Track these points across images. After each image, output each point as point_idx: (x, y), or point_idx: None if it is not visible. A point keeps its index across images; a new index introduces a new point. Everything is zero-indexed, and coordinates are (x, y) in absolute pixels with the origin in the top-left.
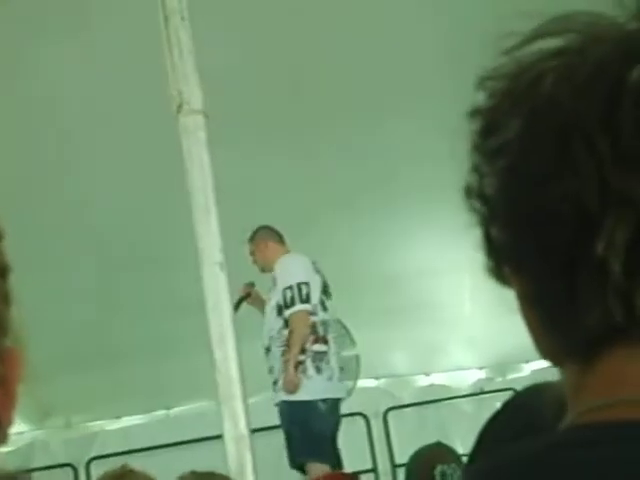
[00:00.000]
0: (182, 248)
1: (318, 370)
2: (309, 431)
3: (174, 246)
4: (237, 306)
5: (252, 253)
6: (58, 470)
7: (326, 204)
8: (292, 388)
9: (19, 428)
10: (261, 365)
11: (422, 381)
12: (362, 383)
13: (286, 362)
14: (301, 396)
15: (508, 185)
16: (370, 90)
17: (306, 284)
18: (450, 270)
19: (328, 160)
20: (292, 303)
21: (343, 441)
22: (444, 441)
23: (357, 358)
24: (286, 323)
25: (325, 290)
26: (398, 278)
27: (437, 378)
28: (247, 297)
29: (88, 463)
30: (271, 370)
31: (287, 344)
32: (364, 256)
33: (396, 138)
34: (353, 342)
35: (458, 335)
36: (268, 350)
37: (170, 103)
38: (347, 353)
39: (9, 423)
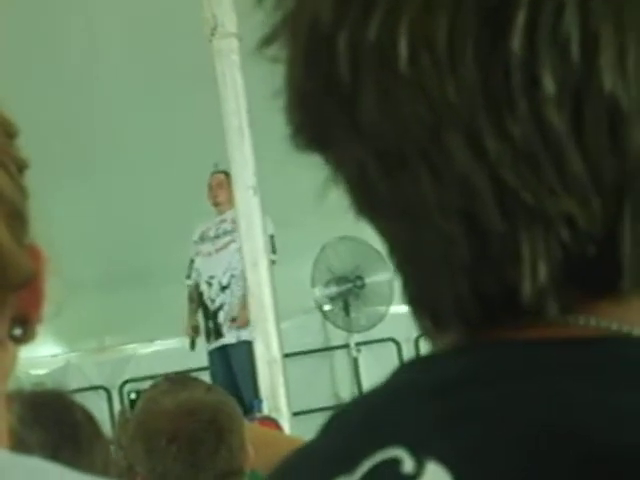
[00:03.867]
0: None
1: None
2: None
3: (208, 171)
4: (193, 346)
5: (221, 185)
6: (92, 392)
7: None
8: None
9: (53, 350)
10: (291, 291)
11: None
12: (394, 309)
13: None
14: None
15: None
16: None
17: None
18: None
19: None
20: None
21: (375, 366)
22: None
23: (390, 283)
24: None
25: None
26: None
27: None
28: (196, 335)
29: (122, 386)
30: (221, 307)
31: None
32: None
33: None
34: (387, 267)
35: None
36: (225, 288)
37: (204, 26)
38: (380, 278)
39: (38, 321)
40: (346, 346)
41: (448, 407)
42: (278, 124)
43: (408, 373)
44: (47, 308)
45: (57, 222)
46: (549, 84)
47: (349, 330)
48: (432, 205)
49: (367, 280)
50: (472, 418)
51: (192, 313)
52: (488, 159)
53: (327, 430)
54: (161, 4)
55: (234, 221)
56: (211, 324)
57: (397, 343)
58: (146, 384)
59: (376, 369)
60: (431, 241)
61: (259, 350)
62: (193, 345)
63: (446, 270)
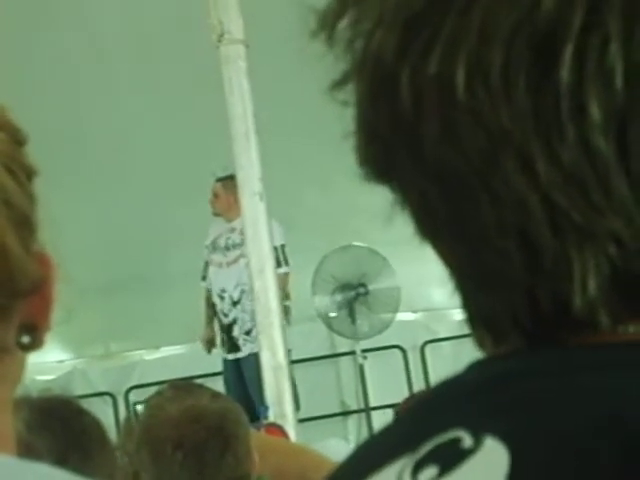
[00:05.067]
0: None
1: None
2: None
3: (214, 177)
4: (210, 350)
5: (216, 195)
6: (97, 398)
7: None
8: None
9: (59, 356)
10: (297, 297)
11: (460, 315)
12: (400, 316)
13: None
14: None
15: None
16: None
17: (284, 246)
18: None
19: None
20: (278, 264)
21: (381, 373)
22: None
23: (398, 290)
24: None
25: None
26: None
27: None
28: (213, 346)
29: (127, 392)
30: (234, 321)
31: None
32: None
33: None
34: (393, 274)
35: None
36: (236, 303)
37: (211, 33)
38: (388, 284)
39: (46, 328)
40: (352, 353)
41: (506, 395)
42: (284, 130)
43: (473, 369)
44: (56, 314)
45: (62, 228)
46: (595, 112)
47: (353, 337)
48: (490, 226)
49: (372, 287)
50: (529, 404)
51: (209, 321)
52: (540, 182)
53: (397, 418)
54: (168, 11)
55: (242, 232)
56: (226, 337)
57: (403, 350)
58: (151, 390)
59: (382, 376)
60: (490, 260)
61: (265, 357)
62: (209, 351)
63: (503, 286)
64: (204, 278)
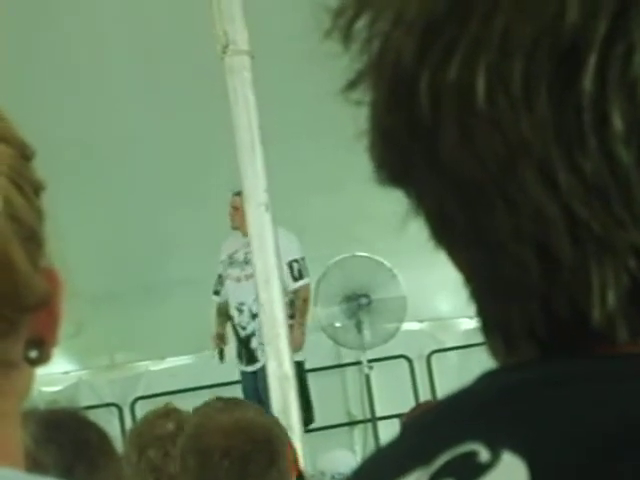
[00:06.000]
0: (224, 194)
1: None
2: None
3: (217, 187)
4: (222, 357)
5: (236, 208)
6: (103, 409)
7: None
8: (299, 347)
9: (65, 368)
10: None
11: (466, 324)
12: (406, 326)
13: (292, 326)
14: (299, 357)
15: None
16: None
17: (303, 258)
18: None
19: None
20: (300, 275)
21: (387, 383)
22: None
23: (404, 299)
24: None
25: None
26: None
27: None
28: (223, 344)
29: (133, 403)
30: (253, 334)
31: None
32: None
33: None
34: (399, 283)
35: None
36: (255, 315)
37: (216, 43)
38: (394, 294)
39: (53, 343)
40: (358, 363)
41: (521, 407)
42: (289, 140)
43: (485, 380)
44: (64, 328)
45: (65, 239)
46: (618, 122)
47: (359, 347)
48: (507, 234)
49: (377, 297)
50: (545, 416)
51: (220, 322)
52: (560, 191)
53: (405, 430)
54: (172, 21)
55: None
56: (244, 350)
57: (409, 360)
58: (158, 401)
59: (388, 386)
60: (506, 268)
61: (271, 367)
62: (222, 356)
63: (520, 295)
64: (217, 293)
